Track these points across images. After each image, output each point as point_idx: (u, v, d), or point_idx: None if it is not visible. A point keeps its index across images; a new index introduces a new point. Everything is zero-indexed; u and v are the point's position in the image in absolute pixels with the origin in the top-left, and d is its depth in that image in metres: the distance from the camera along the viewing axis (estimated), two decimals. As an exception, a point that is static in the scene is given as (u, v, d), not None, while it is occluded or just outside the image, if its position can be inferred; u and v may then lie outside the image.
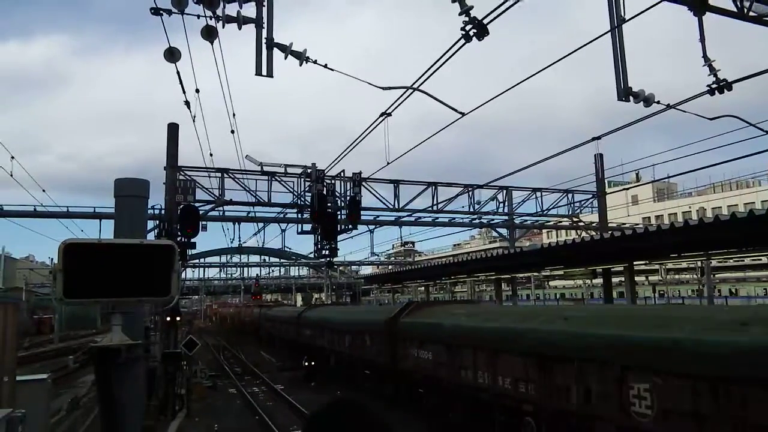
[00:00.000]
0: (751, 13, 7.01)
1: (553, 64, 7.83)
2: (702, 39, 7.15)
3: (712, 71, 7.27)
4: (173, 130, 17.96)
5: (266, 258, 69.45)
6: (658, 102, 7.85)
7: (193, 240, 17.14)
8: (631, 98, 7.42)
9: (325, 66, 7.67)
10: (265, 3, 7.29)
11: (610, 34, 7.23)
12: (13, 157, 21.61)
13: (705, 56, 7.24)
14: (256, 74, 7.18)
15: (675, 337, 7.73)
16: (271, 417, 16.75)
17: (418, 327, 15.75)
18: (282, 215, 25.41)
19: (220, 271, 73.58)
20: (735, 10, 6.99)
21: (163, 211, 19.11)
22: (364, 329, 19.93)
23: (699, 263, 35.67)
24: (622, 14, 7.10)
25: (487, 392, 11.94)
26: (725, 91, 7.26)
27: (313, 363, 24.75)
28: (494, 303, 32.37)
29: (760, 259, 41.97)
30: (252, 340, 46.39)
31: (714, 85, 7.28)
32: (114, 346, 2.74)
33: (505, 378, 11.30)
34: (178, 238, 16.39)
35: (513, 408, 11.07)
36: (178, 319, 19.48)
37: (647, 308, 13.79)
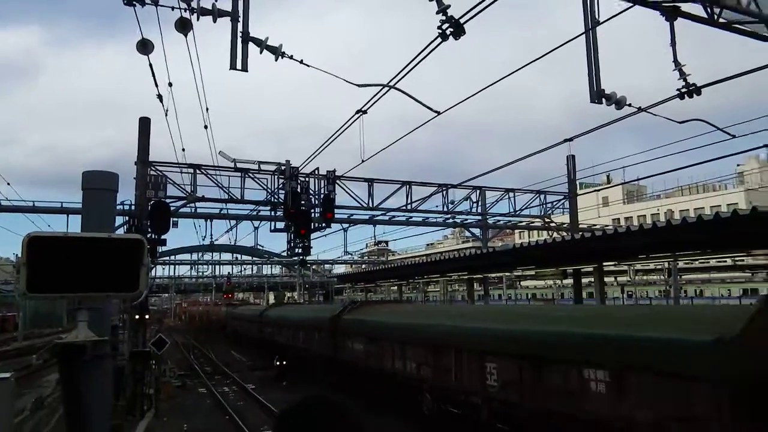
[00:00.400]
0: (720, 20, 7.15)
1: (528, 64, 7.91)
2: (673, 44, 7.27)
3: (682, 75, 7.39)
4: (145, 124, 17.61)
5: (238, 256, 68.89)
6: (630, 105, 7.95)
7: (163, 237, 16.89)
8: (603, 100, 7.51)
9: (301, 62, 7.59)
10: (241, -4, 7.18)
11: (584, 36, 7.32)
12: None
13: (675, 61, 7.36)
14: (230, 68, 7.07)
15: (509, 329, 10.64)
16: (241, 417, 16.58)
17: (355, 323, 18.17)
18: (255, 213, 25.18)
19: (191, 268, 72.71)
20: (706, 16, 7.13)
21: (133, 207, 18.74)
22: (314, 325, 21.90)
23: (666, 264, 36.44)
24: (597, 17, 7.19)
25: (400, 376, 14.64)
26: (694, 95, 7.40)
27: (284, 362, 24.63)
28: (467, 303, 32.64)
29: (725, 261, 43.08)
30: (221, 339, 46.05)
31: (684, 90, 7.41)
32: (79, 343, 2.66)
33: (411, 364, 14.04)
34: (148, 235, 16.10)
35: (417, 387, 13.83)
36: (147, 317, 19.17)
37: (508, 307, 17.21)
